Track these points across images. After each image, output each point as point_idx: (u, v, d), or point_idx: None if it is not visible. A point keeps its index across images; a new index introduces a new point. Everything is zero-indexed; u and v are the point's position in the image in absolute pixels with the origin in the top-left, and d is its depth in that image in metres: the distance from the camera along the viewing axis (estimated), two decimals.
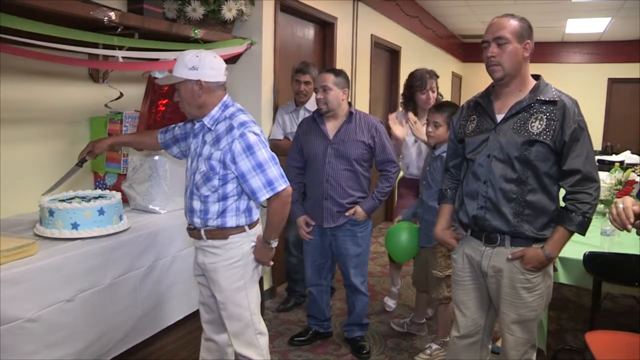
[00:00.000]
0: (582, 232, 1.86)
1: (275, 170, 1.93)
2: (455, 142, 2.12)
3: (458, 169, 2.13)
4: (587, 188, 1.83)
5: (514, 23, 1.85)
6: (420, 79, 3.17)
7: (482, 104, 1.98)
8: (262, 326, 2.11)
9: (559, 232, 1.87)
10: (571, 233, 1.87)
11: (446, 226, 2.17)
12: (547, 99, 1.85)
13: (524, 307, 1.93)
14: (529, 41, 1.87)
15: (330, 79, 2.69)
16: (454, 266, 2.14)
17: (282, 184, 1.94)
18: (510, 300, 1.95)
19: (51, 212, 1.99)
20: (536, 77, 1.94)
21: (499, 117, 1.92)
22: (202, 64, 1.90)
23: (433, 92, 3.17)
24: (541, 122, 1.84)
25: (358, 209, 2.74)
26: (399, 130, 3.10)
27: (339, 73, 2.76)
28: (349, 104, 2.80)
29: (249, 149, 1.90)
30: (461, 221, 2.05)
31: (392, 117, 3.17)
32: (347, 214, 2.75)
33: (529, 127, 1.84)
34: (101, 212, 2.05)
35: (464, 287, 2.09)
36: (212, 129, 1.98)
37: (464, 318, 2.11)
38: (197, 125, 2.04)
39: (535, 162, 1.84)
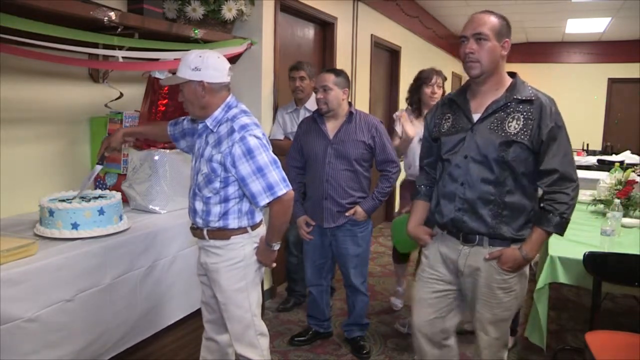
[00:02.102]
0: (561, 233, 1.84)
1: (276, 175, 1.91)
2: (429, 141, 2.08)
3: (432, 167, 2.08)
4: (565, 188, 1.81)
5: (494, 20, 1.82)
6: (427, 73, 3.20)
7: (458, 102, 1.95)
8: (263, 327, 2.11)
9: (537, 233, 1.84)
10: (549, 234, 1.85)
11: (419, 222, 2.11)
12: (524, 98, 1.83)
13: (499, 307, 1.92)
14: (507, 40, 1.84)
15: (330, 79, 2.69)
16: (422, 262, 2.09)
17: (283, 188, 1.92)
18: (485, 300, 1.93)
19: (51, 212, 1.98)
20: (512, 75, 1.91)
21: (476, 117, 1.88)
22: (205, 65, 1.89)
23: (439, 87, 3.18)
24: (518, 122, 1.81)
25: (358, 209, 2.75)
26: (410, 128, 3.11)
27: (339, 73, 2.76)
28: (349, 103, 2.80)
29: (249, 152, 1.88)
30: (438, 222, 2.01)
31: (404, 115, 3.18)
32: (347, 214, 2.75)
33: (506, 127, 1.82)
34: (101, 212, 2.05)
35: (428, 285, 2.03)
36: (215, 130, 1.97)
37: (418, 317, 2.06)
38: (201, 126, 2.04)
39: (512, 163, 1.81)
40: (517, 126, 1.81)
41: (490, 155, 1.83)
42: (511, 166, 1.82)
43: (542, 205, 1.85)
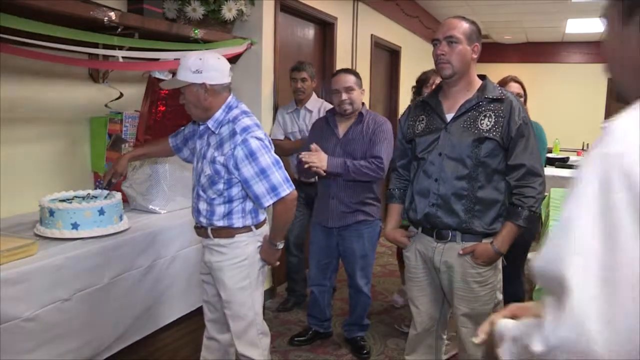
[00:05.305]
0: (530, 227, 1.93)
1: (279, 175, 1.92)
2: (403, 143, 2.14)
3: (406, 169, 2.15)
4: (532, 182, 1.89)
5: (465, 25, 1.91)
6: (426, 75, 3.23)
7: (431, 104, 2.02)
8: (265, 326, 2.12)
9: (507, 228, 1.91)
10: (519, 228, 1.91)
11: (396, 226, 2.19)
12: (494, 97, 1.91)
13: (476, 301, 1.97)
14: (477, 44, 1.93)
15: (351, 79, 2.74)
16: (407, 263, 2.15)
17: (287, 189, 1.93)
18: (462, 294, 1.98)
19: (51, 212, 1.98)
20: (482, 77, 1.99)
21: (449, 117, 1.96)
22: (206, 67, 1.89)
23: None
24: (490, 120, 1.89)
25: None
26: None
27: (357, 74, 2.82)
28: (362, 104, 2.84)
29: (251, 155, 1.89)
30: (412, 219, 2.07)
31: None
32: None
33: (479, 124, 1.90)
34: (101, 212, 2.05)
35: (418, 283, 2.11)
36: (216, 132, 1.97)
37: (419, 315, 2.14)
38: (202, 127, 2.03)
39: (485, 159, 1.89)
40: (489, 123, 1.89)
41: (464, 152, 1.90)
42: (484, 162, 1.89)
43: (512, 200, 1.92)
